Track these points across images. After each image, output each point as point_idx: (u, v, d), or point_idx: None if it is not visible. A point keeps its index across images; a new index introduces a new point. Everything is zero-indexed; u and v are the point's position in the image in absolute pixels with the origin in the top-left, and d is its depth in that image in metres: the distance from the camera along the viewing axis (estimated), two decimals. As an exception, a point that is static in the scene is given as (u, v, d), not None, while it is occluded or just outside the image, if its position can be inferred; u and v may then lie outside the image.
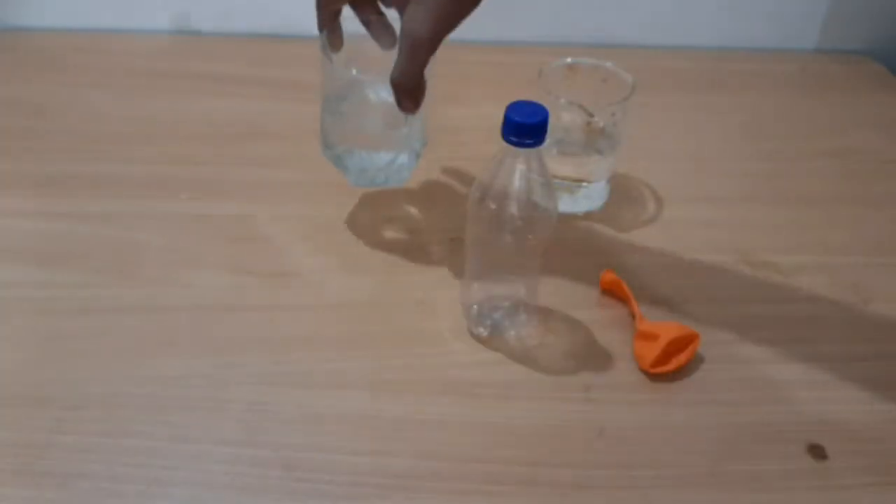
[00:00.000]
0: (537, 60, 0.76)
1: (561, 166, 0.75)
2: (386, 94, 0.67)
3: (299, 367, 0.63)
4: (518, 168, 0.57)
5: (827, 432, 0.60)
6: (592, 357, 0.65)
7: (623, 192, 0.81)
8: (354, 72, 0.69)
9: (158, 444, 0.57)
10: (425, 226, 0.76)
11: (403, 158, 0.71)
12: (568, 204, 0.77)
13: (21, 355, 0.63)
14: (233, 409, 0.60)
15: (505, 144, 0.56)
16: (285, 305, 0.68)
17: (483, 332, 0.65)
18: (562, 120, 0.75)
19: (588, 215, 0.78)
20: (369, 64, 0.69)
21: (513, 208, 0.58)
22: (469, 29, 1.01)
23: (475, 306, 0.66)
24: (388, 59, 0.70)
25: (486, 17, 1.01)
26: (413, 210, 0.77)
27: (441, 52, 0.98)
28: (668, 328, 0.62)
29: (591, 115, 0.73)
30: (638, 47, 1.01)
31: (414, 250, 0.73)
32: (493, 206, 0.58)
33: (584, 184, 0.76)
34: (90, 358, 0.63)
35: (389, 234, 0.75)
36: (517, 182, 0.57)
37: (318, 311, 0.68)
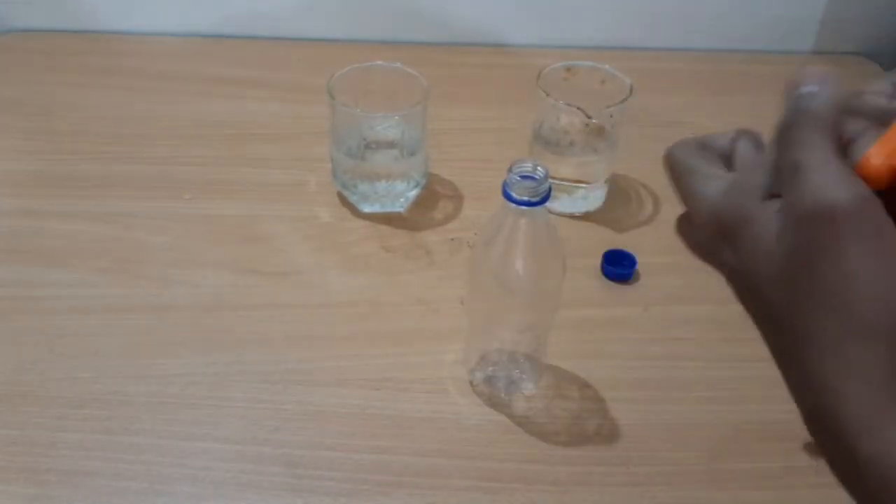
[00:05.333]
0: (536, 63, 0.77)
1: (559, 168, 0.75)
2: (386, 130, 0.73)
3: (301, 365, 0.64)
4: (520, 226, 0.53)
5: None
6: (592, 355, 0.65)
7: (621, 192, 0.81)
8: (359, 109, 0.71)
9: (161, 441, 0.58)
10: (425, 226, 0.77)
11: (402, 187, 0.76)
12: (566, 205, 0.78)
13: (25, 354, 0.64)
14: (235, 407, 0.60)
15: (505, 202, 0.52)
16: (287, 304, 0.68)
17: (483, 386, 0.63)
18: (560, 122, 0.76)
19: (586, 216, 0.78)
20: (372, 102, 0.73)
21: (517, 266, 0.54)
22: (469, 31, 1.02)
23: (477, 359, 0.63)
24: (390, 97, 0.74)
25: (485, 20, 1.02)
26: (413, 210, 0.78)
27: (442, 55, 0.99)
28: None
29: (590, 117, 0.74)
30: (636, 50, 1.02)
31: (414, 250, 0.74)
32: (495, 263, 0.55)
33: (583, 185, 0.77)
34: (93, 357, 0.63)
35: (390, 233, 0.75)
36: (521, 240, 0.53)
37: (319, 310, 0.68)
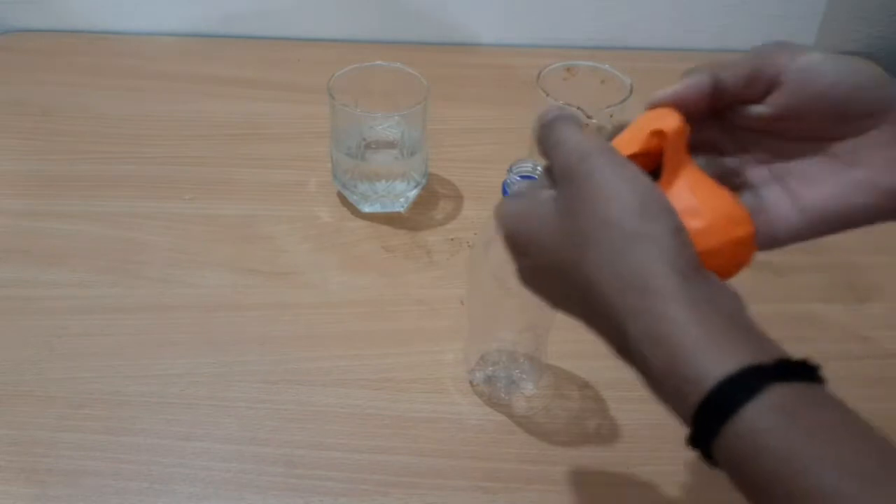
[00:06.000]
0: (536, 63, 0.77)
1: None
2: (386, 130, 0.73)
3: (300, 365, 0.64)
4: None
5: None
6: (591, 355, 0.65)
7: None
8: (358, 109, 0.71)
9: (162, 441, 0.58)
10: (425, 226, 0.77)
11: (402, 187, 0.76)
12: (567, 204, 0.78)
13: (25, 354, 0.64)
14: (235, 407, 0.60)
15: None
16: (287, 304, 0.68)
17: (483, 386, 0.63)
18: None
19: (587, 216, 0.78)
20: (372, 102, 0.73)
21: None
22: (468, 31, 1.02)
23: (477, 359, 0.64)
24: (390, 97, 0.74)
25: (486, 20, 1.02)
26: (413, 210, 0.78)
27: (441, 54, 0.99)
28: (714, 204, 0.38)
29: (590, 117, 0.74)
30: (636, 49, 1.02)
31: (414, 250, 0.74)
32: (495, 263, 0.54)
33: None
34: (94, 357, 0.63)
35: (390, 233, 0.75)
36: None
37: (319, 311, 0.68)
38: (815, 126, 0.40)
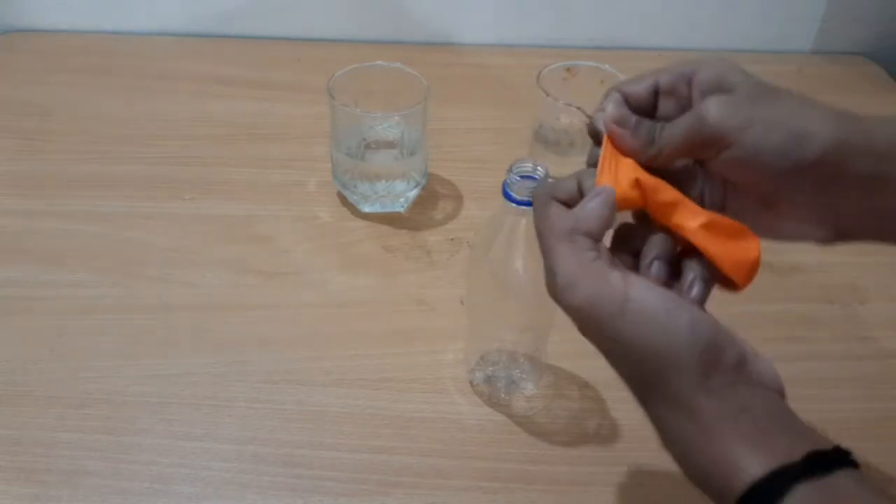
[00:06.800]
0: (536, 63, 0.77)
1: (559, 168, 0.75)
2: (386, 130, 0.73)
3: (300, 365, 0.64)
4: (520, 226, 0.53)
5: (824, 431, 0.60)
6: (592, 355, 0.65)
7: (621, 192, 0.81)
8: (358, 109, 0.72)
9: (162, 441, 0.58)
10: (425, 226, 0.77)
11: (402, 187, 0.76)
12: (567, 204, 0.78)
13: (25, 354, 0.64)
14: (235, 407, 0.60)
15: (505, 202, 0.51)
16: (286, 305, 0.68)
17: (483, 386, 0.63)
18: (560, 122, 0.76)
19: (587, 216, 0.78)
20: (372, 102, 0.73)
21: (517, 266, 0.54)
22: (468, 31, 1.02)
23: (477, 359, 0.64)
24: (390, 97, 0.74)
25: (485, 20, 1.02)
26: (413, 210, 0.78)
27: (441, 54, 0.99)
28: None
29: (590, 117, 0.74)
30: (636, 49, 1.02)
31: (414, 250, 0.74)
32: (495, 263, 0.54)
33: (583, 184, 0.77)
34: (93, 357, 0.63)
35: (390, 233, 0.75)
36: (521, 240, 0.53)
37: (318, 311, 0.68)
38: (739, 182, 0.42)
